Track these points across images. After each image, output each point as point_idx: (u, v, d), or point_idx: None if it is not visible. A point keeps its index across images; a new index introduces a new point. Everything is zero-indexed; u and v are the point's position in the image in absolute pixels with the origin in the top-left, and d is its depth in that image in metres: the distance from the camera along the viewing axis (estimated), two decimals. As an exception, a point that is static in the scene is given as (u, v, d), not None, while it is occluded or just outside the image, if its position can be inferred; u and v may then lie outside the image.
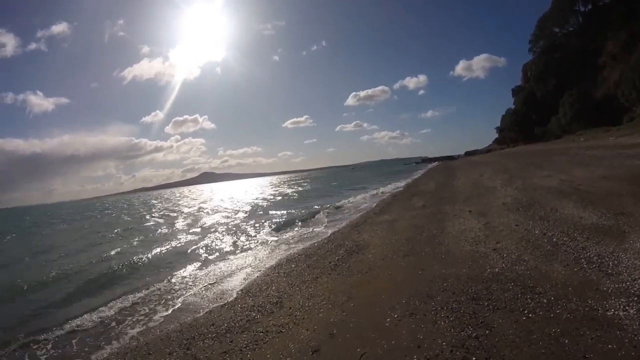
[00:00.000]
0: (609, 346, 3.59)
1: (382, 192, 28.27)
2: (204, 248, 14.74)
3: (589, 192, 10.93)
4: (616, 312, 4.17)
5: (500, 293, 5.18)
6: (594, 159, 20.88)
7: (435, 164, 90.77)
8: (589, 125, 57.72)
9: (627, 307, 4.23)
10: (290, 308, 6.40)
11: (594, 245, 6.45)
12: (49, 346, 6.95)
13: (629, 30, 56.89)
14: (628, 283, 4.79)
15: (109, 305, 8.73)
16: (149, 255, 14.37)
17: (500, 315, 4.55)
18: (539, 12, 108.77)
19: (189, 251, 14.44)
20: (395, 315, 5.12)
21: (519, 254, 6.70)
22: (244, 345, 5.23)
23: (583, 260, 5.86)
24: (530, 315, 4.44)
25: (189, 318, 7.18)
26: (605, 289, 4.76)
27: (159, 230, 23.69)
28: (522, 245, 7.22)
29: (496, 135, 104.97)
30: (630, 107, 51.31)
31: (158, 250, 15.40)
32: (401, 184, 35.91)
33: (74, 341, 7.02)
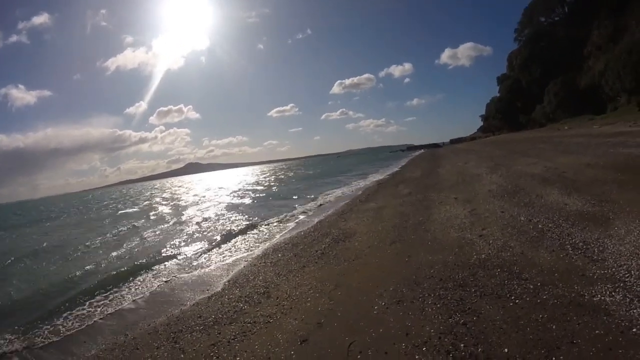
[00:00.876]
0: (596, 331, 3.61)
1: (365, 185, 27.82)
2: (190, 239, 14.65)
3: (574, 179, 11.02)
4: (602, 298, 4.19)
5: (487, 279, 5.19)
6: (578, 146, 21.05)
7: (421, 151, 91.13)
8: (573, 113, 58.44)
9: (613, 293, 4.25)
10: (277, 298, 6.37)
11: (579, 231, 6.48)
12: (33, 343, 6.83)
13: (615, 20, 57.39)
14: (614, 269, 4.81)
15: (93, 301, 8.64)
16: (127, 252, 14.23)
17: (487, 302, 4.56)
18: (525, 1, 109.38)
19: (181, 241, 14.35)
20: (383, 303, 5.11)
21: (505, 241, 6.73)
22: (232, 337, 5.19)
23: (569, 246, 5.89)
24: (517, 301, 4.45)
25: (176, 311, 7.09)
26: (591, 274, 4.78)
27: (140, 224, 23.43)
28: (507, 231, 7.25)
29: (481, 123, 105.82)
30: (614, 97, 52.01)
31: (136, 245, 15.25)
32: (387, 171, 35.91)
33: (58, 338, 6.92)
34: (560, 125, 54.87)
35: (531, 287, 4.73)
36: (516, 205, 9.17)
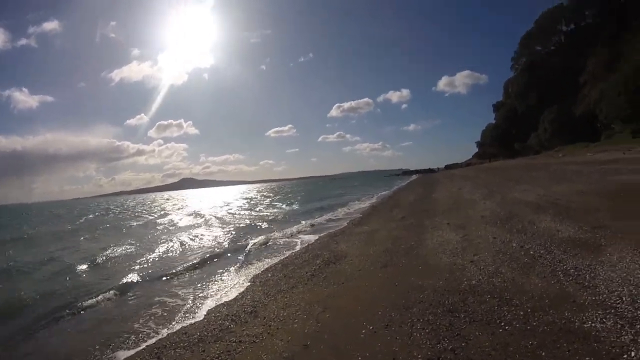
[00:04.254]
0: (587, 358, 3.56)
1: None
2: (183, 253, 14.46)
3: (567, 206, 11.03)
4: (593, 324, 4.14)
5: (477, 305, 5.12)
6: (572, 174, 21.18)
7: (416, 176, 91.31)
8: (568, 141, 59.02)
9: (604, 319, 4.20)
10: (265, 318, 6.26)
11: (570, 258, 6.45)
12: None
13: (611, 49, 58.40)
14: (605, 295, 4.77)
15: (80, 312, 8.46)
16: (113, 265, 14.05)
17: (476, 328, 4.49)
18: (521, 31, 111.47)
19: (176, 254, 14.16)
20: (371, 327, 5.02)
21: (496, 267, 6.68)
22: (216, 355, 5.08)
23: (560, 272, 5.85)
24: (506, 327, 4.39)
25: (160, 326, 6.98)
26: (582, 301, 4.74)
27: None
28: (499, 257, 7.20)
29: (476, 150, 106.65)
30: (609, 125, 52.57)
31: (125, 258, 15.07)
32: (381, 195, 35.93)
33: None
34: (555, 153, 55.38)
35: (521, 313, 4.67)
36: (509, 232, 9.14)
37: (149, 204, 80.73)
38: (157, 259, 14.06)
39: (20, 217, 62.87)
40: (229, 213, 35.30)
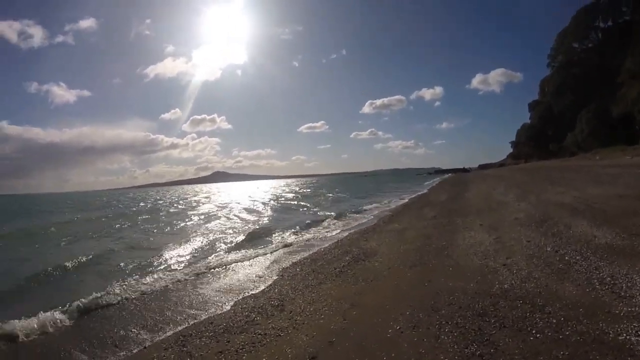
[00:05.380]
0: (620, 372, 3.43)
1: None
2: (215, 245, 14.64)
3: (604, 210, 10.70)
4: (628, 337, 3.99)
5: (508, 310, 5.01)
6: (609, 177, 20.58)
7: (448, 175, 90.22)
8: (605, 143, 57.19)
9: (639, 332, 4.05)
10: (291, 312, 6.28)
11: (607, 265, 6.25)
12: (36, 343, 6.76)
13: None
14: (642, 307, 4.59)
15: (106, 293, 8.61)
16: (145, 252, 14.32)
17: (506, 334, 4.38)
18: (557, 28, 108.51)
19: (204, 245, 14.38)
20: (398, 327, 4.97)
21: (529, 271, 6.52)
22: (240, 347, 5.12)
23: (595, 280, 5.67)
24: (538, 335, 4.27)
25: (186, 313, 7.10)
26: (617, 311, 4.58)
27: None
28: (533, 262, 7.04)
29: (510, 150, 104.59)
30: (648, 128, 50.73)
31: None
32: (413, 193, 35.76)
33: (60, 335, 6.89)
34: (592, 155, 53.87)
35: (554, 321, 4.54)
36: (543, 235, 8.92)
37: (191, 196, 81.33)
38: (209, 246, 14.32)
39: (71, 206, 62.84)
40: (262, 204, 35.71)
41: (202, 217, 27.34)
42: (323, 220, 20.06)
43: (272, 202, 40.68)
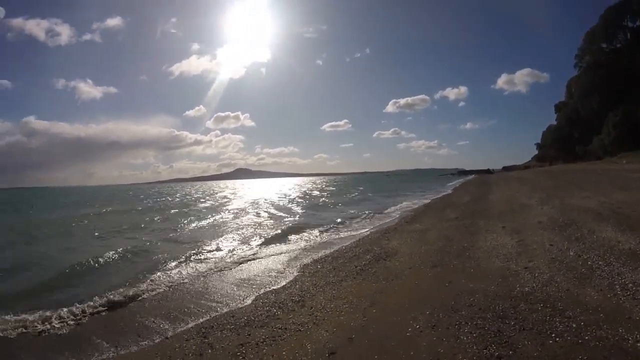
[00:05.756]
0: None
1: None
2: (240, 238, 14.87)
3: (629, 216, 10.54)
4: (648, 345, 3.98)
5: (528, 313, 5.02)
6: (636, 182, 20.17)
7: (472, 176, 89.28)
8: (632, 147, 55.77)
9: (660, 340, 4.03)
10: (311, 308, 6.38)
11: (630, 271, 6.18)
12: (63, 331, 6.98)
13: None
14: (664, 315, 4.56)
15: (125, 285, 8.92)
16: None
17: (526, 336, 4.41)
18: (584, 28, 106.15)
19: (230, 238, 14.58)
20: (417, 326, 5.03)
21: (551, 275, 6.49)
22: (261, 340, 5.24)
23: (617, 286, 5.63)
24: (557, 339, 4.28)
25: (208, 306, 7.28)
26: (638, 318, 4.56)
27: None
28: (555, 265, 7.00)
29: (535, 152, 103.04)
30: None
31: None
32: (436, 194, 35.63)
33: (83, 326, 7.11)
34: (618, 159, 52.65)
35: (574, 325, 4.54)
36: (566, 240, 8.84)
37: (217, 191, 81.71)
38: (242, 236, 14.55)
39: (108, 198, 63.97)
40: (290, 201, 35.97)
41: (232, 212, 27.88)
42: (354, 218, 20.28)
43: (298, 199, 41.04)
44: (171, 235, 17.03)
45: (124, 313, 7.31)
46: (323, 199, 40.03)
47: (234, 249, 12.83)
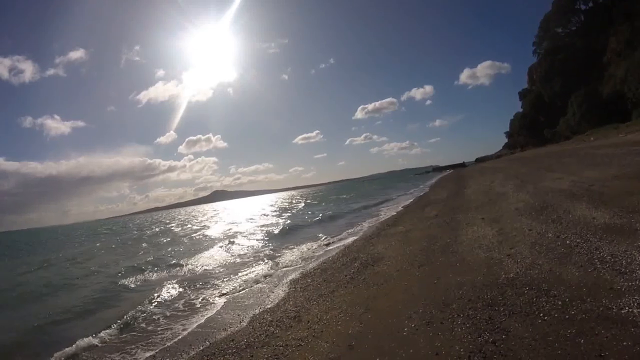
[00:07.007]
0: (624, 343, 3.63)
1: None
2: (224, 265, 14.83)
3: (601, 192, 10.87)
4: (630, 310, 4.20)
5: (516, 298, 5.21)
6: (604, 158, 20.70)
7: (448, 172, 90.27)
8: (598, 123, 57.28)
9: (641, 304, 4.26)
10: (308, 322, 6.48)
11: (607, 244, 6.44)
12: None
13: (631, 25, 56.77)
14: (641, 280, 4.80)
15: (123, 319, 8.95)
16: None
17: (516, 320, 4.60)
18: (539, 15, 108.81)
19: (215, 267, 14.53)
20: (413, 325, 5.18)
21: (532, 259, 6.71)
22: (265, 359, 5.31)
23: (596, 260, 5.87)
24: (545, 318, 4.48)
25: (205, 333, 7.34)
26: (619, 287, 4.78)
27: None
28: (535, 249, 7.23)
29: (506, 140, 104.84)
30: (639, 103, 50.97)
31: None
32: (413, 194, 36.03)
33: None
34: (586, 137, 53.93)
35: (559, 303, 4.74)
36: (544, 223, 9.10)
37: (199, 216, 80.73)
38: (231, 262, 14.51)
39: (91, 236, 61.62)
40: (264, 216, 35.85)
41: (217, 237, 27.61)
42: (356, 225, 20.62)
43: (284, 214, 40.73)
44: (166, 261, 16.81)
45: (130, 340, 7.51)
46: (298, 213, 39.96)
47: (224, 275, 12.89)
